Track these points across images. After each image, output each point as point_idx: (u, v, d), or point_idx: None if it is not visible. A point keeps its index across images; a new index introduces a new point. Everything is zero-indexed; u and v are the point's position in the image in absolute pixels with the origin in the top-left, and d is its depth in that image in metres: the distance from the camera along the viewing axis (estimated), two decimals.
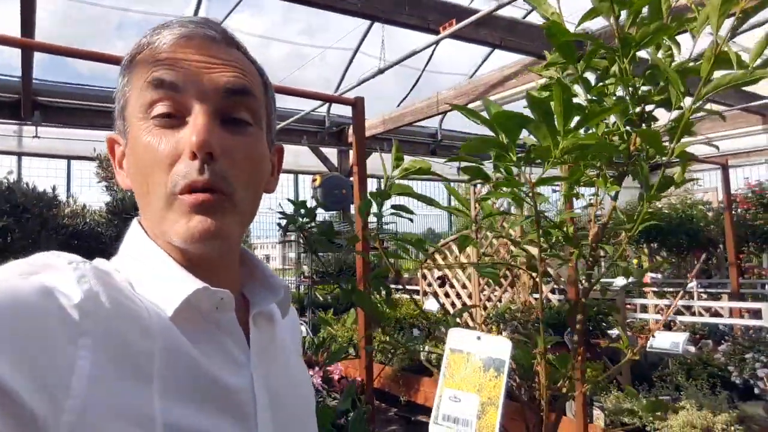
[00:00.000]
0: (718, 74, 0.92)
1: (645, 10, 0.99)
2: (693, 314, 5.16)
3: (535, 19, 5.36)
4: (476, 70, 7.34)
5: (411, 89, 7.70)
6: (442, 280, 5.24)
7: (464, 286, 5.21)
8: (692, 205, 6.68)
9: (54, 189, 3.03)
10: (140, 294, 0.58)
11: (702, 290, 5.80)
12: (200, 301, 0.59)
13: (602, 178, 1.10)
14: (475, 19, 3.01)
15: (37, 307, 0.47)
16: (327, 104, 6.87)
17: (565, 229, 1.16)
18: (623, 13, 1.02)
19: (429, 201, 1.37)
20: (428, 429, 0.74)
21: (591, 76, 1.16)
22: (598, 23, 1.13)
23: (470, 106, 4.90)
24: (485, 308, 4.93)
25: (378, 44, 5.73)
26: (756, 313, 3.82)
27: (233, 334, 0.62)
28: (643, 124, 1.07)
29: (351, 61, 6.72)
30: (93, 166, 3.86)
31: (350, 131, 6.98)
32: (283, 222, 1.70)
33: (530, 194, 1.02)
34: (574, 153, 0.87)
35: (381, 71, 3.61)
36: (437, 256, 5.54)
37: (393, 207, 1.50)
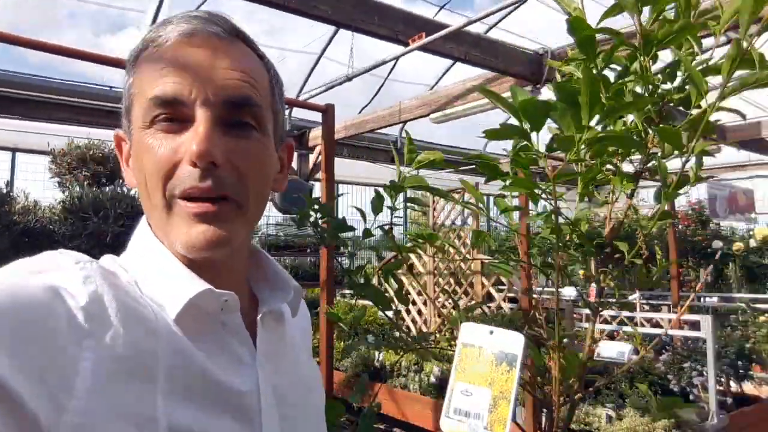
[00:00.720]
0: (738, 75, 0.91)
1: (667, 9, 1.00)
2: (635, 325, 5.40)
3: (498, 35, 5.51)
4: (437, 82, 7.47)
5: (373, 97, 7.76)
6: (410, 267, 5.27)
7: (420, 293, 5.28)
8: (637, 220, 6.99)
9: (7, 185, 2.91)
10: (146, 294, 0.58)
11: (644, 302, 6.08)
12: (205, 303, 0.58)
13: (618, 176, 1.12)
14: (445, 34, 3.08)
15: (41, 308, 0.47)
16: (289, 108, 6.83)
17: (580, 227, 1.15)
18: (645, 11, 1.00)
19: (444, 195, 1.35)
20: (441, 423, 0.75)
21: (610, 75, 1.15)
22: (617, 24, 1.11)
23: (433, 115, 4.98)
24: (440, 315, 5.02)
25: (340, 50, 5.75)
26: (694, 325, 4.04)
27: (239, 334, 0.62)
28: (661, 123, 1.06)
29: (314, 66, 6.72)
30: (45, 161, 3.72)
31: (311, 135, 6.96)
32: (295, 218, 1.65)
33: (547, 190, 1.01)
34: (596, 145, 0.87)
35: (349, 78, 3.64)
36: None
37: (409, 200, 1.48)
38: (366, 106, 7.73)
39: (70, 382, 0.46)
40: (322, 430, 0.73)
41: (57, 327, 0.47)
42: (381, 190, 1.43)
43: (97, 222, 2.23)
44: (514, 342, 0.73)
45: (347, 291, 6.61)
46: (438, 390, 3.93)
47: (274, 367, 0.64)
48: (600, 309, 1.23)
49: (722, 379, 3.43)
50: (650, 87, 1.07)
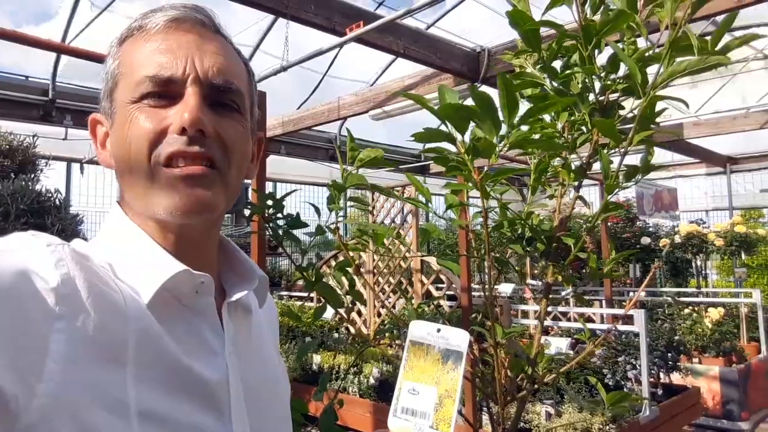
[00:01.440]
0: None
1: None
2: (569, 320, 5.53)
3: (439, 32, 5.49)
4: (377, 78, 7.40)
5: (312, 93, 7.59)
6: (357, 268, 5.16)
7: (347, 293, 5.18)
8: (571, 217, 7.20)
9: None
10: (120, 277, 0.58)
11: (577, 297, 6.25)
12: (180, 285, 0.59)
13: (566, 169, 1.09)
14: (382, 24, 2.99)
15: (12, 289, 0.47)
16: None
17: (530, 221, 1.14)
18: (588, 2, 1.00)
19: (388, 193, 1.35)
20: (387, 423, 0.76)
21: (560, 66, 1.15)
22: (568, 17, 1.10)
23: (372, 112, 4.90)
24: (379, 315, 4.94)
25: (279, 45, 5.56)
26: (626, 320, 4.15)
27: (210, 321, 0.62)
28: (605, 115, 1.05)
29: (250, 58, 6.49)
30: None
31: None
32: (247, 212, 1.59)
33: (495, 189, 1.01)
34: (519, 147, 0.88)
35: (283, 69, 3.48)
36: (333, 262, 5.47)
37: (350, 199, 1.45)
38: (304, 102, 7.55)
39: (41, 365, 0.46)
40: (287, 422, 0.74)
41: (28, 309, 0.47)
42: (327, 188, 1.38)
43: None
44: (460, 339, 0.74)
45: (285, 293, 6.42)
46: (377, 392, 3.84)
47: (242, 357, 0.64)
48: (549, 302, 1.24)
49: (653, 371, 3.53)
50: (594, 78, 1.06)
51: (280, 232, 1.58)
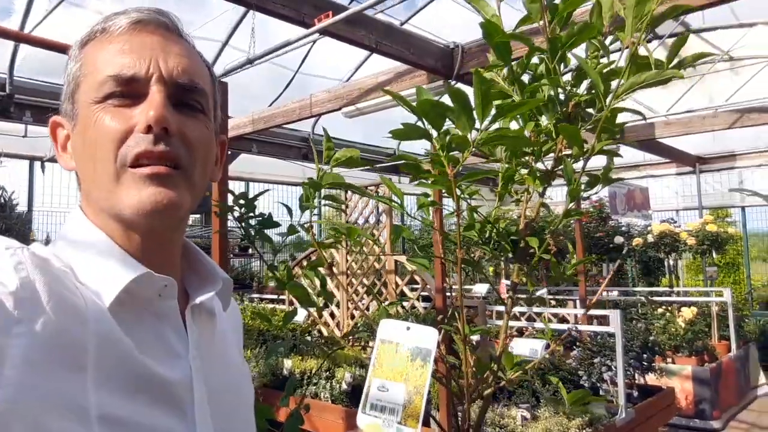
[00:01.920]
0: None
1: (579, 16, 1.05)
2: (545, 320, 5.50)
3: (413, 29, 5.40)
4: (351, 75, 7.28)
5: (284, 90, 7.43)
6: (330, 266, 5.04)
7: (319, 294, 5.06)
8: (547, 217, 7.20)
9: None
10: (81, 281, 0.57)
11: (551, 297, 6.23)
12: (143, 288, 0.59)
13: (531, 175, 1.14)
14: (351, 15, 2.88)
15: None
16: None
17: (498, 225, 1.21)
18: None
19: (363, 192, 1.37)
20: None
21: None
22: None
23: (345, 110, 4.79)
24: (353, 317, 4.82)
25: (247, 40, 5.40)
26: (600, 319, 4.11)
27: (173, 324, 0.62)
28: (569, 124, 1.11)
29: (220, 53, 6.30)
30: None
31: None
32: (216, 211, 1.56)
33: (466, 191, 1.08)
34: (490, 144, 0.92)
35: (250, 61, 3.34)
36: (305, 263, 5.34)
37: (325, 197, 1.45)
38: (276, 99, 7.39)
39: None
40: (251, 425, 0.74)
41: None
42: (301, 188, 1.41)
43: None
44: (428, 337, 0.75)
45: (255, 295, 6.26)
46: (350, 397, 3.72)
47: (206, 360, 0.63)
48: (514, 302, 1.29)
49: (629, 372, 3.49)
50: (560, 89, 1.12)
51: (252, 231, 1.54)
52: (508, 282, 6.77)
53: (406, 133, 0.97)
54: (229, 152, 7.11)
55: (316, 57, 7.18)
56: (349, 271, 4.99)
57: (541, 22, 1.05)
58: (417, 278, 4.65)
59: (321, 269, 1.52)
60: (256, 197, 1.52)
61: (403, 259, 4.54)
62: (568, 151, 1.16)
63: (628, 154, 8.34)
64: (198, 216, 7.58)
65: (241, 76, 4.77)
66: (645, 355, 3.46)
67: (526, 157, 1.17)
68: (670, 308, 5.44)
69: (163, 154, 0.58)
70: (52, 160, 5.80)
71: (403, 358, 0.75)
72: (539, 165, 1.22)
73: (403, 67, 4.54)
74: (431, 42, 4.24)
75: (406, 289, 4.66)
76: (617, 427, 3.00)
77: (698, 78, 7.42)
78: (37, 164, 6.75)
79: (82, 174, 0.63)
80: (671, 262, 6.68)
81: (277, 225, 1.55)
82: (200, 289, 0.68)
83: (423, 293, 4.66)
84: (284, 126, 6.42)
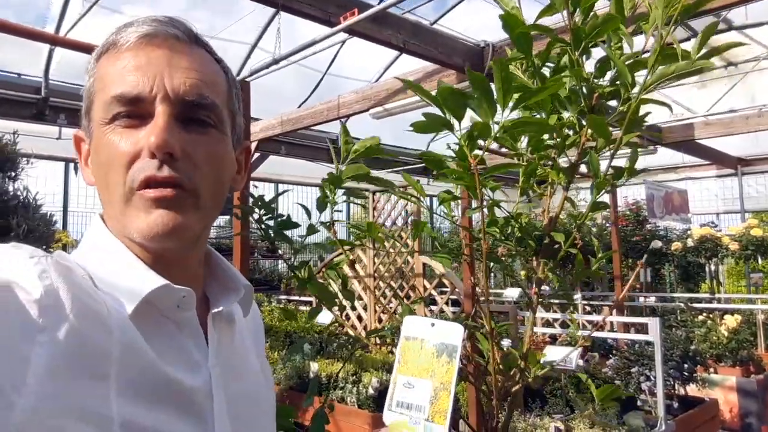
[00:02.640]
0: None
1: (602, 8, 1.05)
2: (577, 327, 5.33)
3: (442, 29, 5.32)
4: (380, 76, 7.24)
5: (312, 91, 7.44)
6: (352, 263, 4.99)
7: (360, 298, 5.01)
8: (572, 213, 7.00)
9: None
10: (101, 290, 0.57)
11: (586, 302, 6.04)
12: (161, 299, 0.59)
13: (555, 169, 1.11)
14: (377, 13, 2.82)
15: None
16: None
17: (520, 220, 1.18)
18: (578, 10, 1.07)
19: (384, 184, 1.31)
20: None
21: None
22: (559, 24, 1.10)
23: (373, 111, 4.74)
24: (380, 320, 4.75)
25: (281, 42, 5.40)
26: (640, 327, 3.95)
27: (193, 333, 0.62)
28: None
29: (249, 55, 6.34)
30: None
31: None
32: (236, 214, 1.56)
33: (488, 186, 1.04)
34: (514, 130, 0.90)
35: (275, 61, 3.32)
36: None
37: (345, 193, 1.42)
38: (305, 101, 7.39)
39: (21, 379, 0.46)
40: (271, 428, 0.74)
41: (10, 321, 0.47)
42: (322, 186, 1.36)
43: None
44: (454, 333, 0.75)
45: (283, 296, 6.25)
46: (377, 402, 3.65)
47: (225, 367, 0.64)
48: (541, 299, 1.27)
49: (668, 383, 3.33)
50: (582, 82, 1.10)
51: (272, 233, 1.52)
52: (543, 288, 6.62)
53: (427, 125, 0.94)
54: (258, 154, 7.15)
55: (344, 59, 7.16)
56: (376, 274, 4.93)
57: (564, 12, 1.03)
58: (446, 282, 4.56)
59: (344, 268, 1.46)
60: (274, 199, 1.49)
61: (427, 259, 4.45)
62: (592, 144, 1.15)
63: (666, 155, 8.06)
64: (228, 217, 7.64)
65: (270, 79, 4.76)
66: (686, 365, 3.29)
67: (549, 151, 1.15)
68: (711, 315, 5.19)
69: (168, 179, 0.58)
70: None
71: (428, 354, 0.75)
72: (563, 159, 1.21)
73: (431, 66, 4.46)
74: (460, 40, 4.15)
75: (434, 293, 4.57)
76: None
77: (740, 77, 7.12)
78: (71, 166, 6.90)
79: (99, 191, 0.64)
80: (712, 268, 6.40)
81: (296, 226, 1.52)
82: (221, 296, 0.69)
83: (452, 297, 4.56)
84: (313, 128, 6.42)
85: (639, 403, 3.26)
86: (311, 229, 1.49)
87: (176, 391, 0.57)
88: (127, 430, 0.51)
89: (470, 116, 0.99)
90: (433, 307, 4.53)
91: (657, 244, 6.37)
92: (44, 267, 0.52)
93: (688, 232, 6.42)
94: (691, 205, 7.84)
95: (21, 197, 2.14)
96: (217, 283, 0.71)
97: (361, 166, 1.28)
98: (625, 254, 6.79)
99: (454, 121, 0.94)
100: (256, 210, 1.55)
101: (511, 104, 0.90)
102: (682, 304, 5.38)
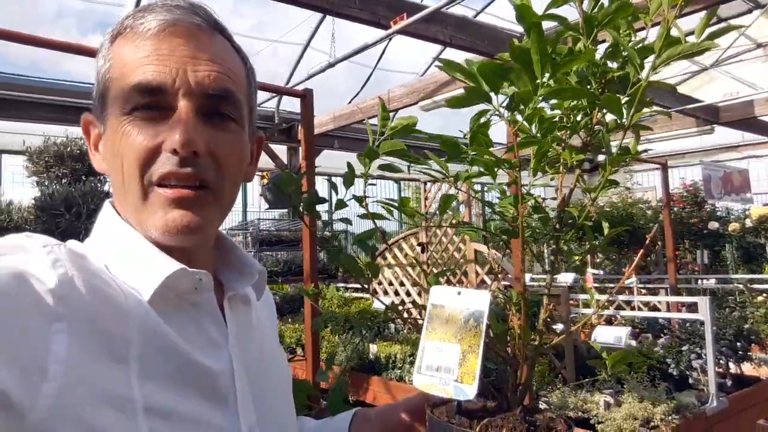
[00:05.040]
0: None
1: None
2: (633, 309, 5.34)
3: (486, 18, 5.41)
4: (427, 69, 7.37)
5: (362, 87, 7.66)
6: (423, 247, 5.16)
7: (402, 284, 5.21)
8: (632, 203, 6.94)
9: None
10: (116, 277, 0.57)
11: (641, 285, 6.02)
12: (179, 282, 0.59)
13: (567, 149, 1.11)
14: (426, 14, 2.99)
15: (10, 292, 0.46)
16: (277, 99, 6.73)
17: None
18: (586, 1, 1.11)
19: (416, 160, 1.28)
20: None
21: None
22: (570, 18, 1.25)
23: (422, 103, 4.89)
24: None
25: (329, 41, 5.64)
26: (691, 307, 3.97)
27: (212, 315, 0.63)
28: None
29: (302, 56, 6.61)
30: (23, 160, 3.62)
31: (301, 128, 6.86)
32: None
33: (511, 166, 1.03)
34: (554, 96, 0.93)
35: (331, 65, 3.54)
36: (387, 254, 5.52)
37: (380, 167, 1.37)
38: (355, 96, 7.62)
39: (44, 366, 0.46)
40: (291, 409, 0.76)
41: (27, 310, 0.47)
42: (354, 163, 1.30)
43: (69, 218, 2.15)
44: (480, 300, 0.77)
45: (341, 284, 6.54)
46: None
47: (244, 348, 0.64)
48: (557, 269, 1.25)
49: (721, 361, 3.37)
50: (594, 66, 1.12)
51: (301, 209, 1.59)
52: (596, 271, 6.61)
53: (465, 99, 0.95)
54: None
55: (392, 53, 7.33)
56: (429, 261, 5.12)
57: (577, 3, 1.05)
58: (496, 266, 4.69)
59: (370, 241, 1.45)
60: (302, 176, 1.52)
61: (482, 248, 4.60)
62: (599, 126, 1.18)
63: (726, 134, 7.81)
64: (285, 210, 7.98)
65: (320, 76, 5.00)
66: (739, 344, 3.32)
67: (560, 132, 1.16)
68: None
69: (190, 176, 0.58)
70: None
71: (455, 320, 0.76)
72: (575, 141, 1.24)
73: (477, 58, 4.58)
74: (505, 32, 4.25)
75: (486, 278, 4.72)
76: (708, 415, 2.92)
77: None
78: None
79: (112, 181, 0.63)
80: None
81: (324, 201, 1.60)
82: (235, 280, 0.70)
83: (504, 282, 4.69)
84: (363, 122, 6.64)
85: (691, 381, 3.32)
86: (340, 204, 1.52)
87: (198, 372, 0.57)
88: (151, 411, 0.51)
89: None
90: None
91: (713, 225, 6.24)
92: (57, 256, 0.52)
93: (747, 212, 6.25)
94: (754, 184, 7.58)
95: None
96: (229, 267, 0.71)
97: (398, 142, 1.26)
98: (681, 236, 6.68)
99: (492, 94, 0.94)
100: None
101: (547, 74, 0.91)
102: (741, 286, 5.29)
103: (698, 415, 2.85)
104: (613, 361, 0.90)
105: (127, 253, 0.60)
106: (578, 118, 1.15)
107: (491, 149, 1.07)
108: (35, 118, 5.16)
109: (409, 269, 5.24)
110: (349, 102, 7.39)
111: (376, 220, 1.49)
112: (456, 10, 4.39)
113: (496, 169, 1.08)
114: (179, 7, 0.60)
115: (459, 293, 0.79)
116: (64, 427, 0.46)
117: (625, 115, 1.10)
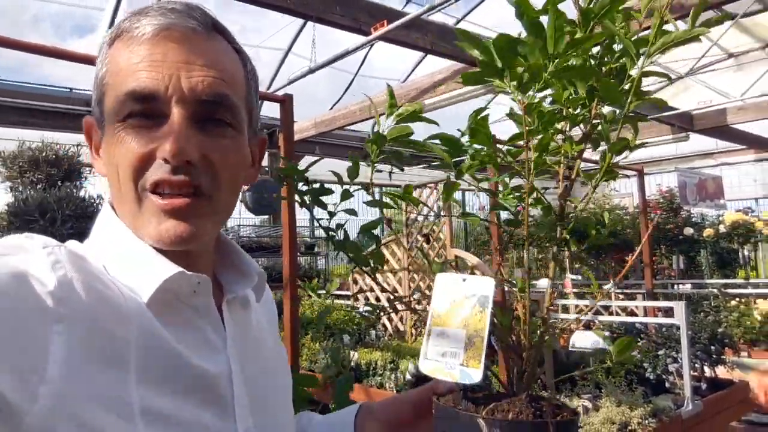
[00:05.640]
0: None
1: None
2: (611, 314, 5.41)
3: (467, 26, 5.46)
4: (409, 75, 7.40)
5: (344, 93, 7.66)
6: (427, 237, 5.13)
7: (384, 290, 5.21)
8: (610, 210, 7.04)
9: None
10: (116, 278, 0.57)
11: (619, 291, 6.10)
12: (177, 285, 0.58)
13: (567, 141, 1.13)
14: (407, 21, 3.01)
15: (9, 293, 0.46)
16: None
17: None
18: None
19: (430, 147, 1.34)
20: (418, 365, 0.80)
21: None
22: (569, 14, 1.27)
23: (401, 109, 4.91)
24: (416, 312, 4.95)
25: (310, 45, 5.64)
26: (667, 312, 4.04)
27: (210, 319, 0.62)
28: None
29: (283, 61, 6.60)
30: None
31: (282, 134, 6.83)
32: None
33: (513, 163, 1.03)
34: (562, 75, 0.92)
35: (312, 71, 3.54)
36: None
37: (385, 153, 1.44)
38: (336, 102, 7.63)
39: (42, 368, 0.46)
40: (289, 412, 0.75)
41: (26, 312, 0.47)
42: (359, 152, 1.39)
43: (44, 224, 2.10)
44: (485, 285, 0.77)
45: (321, 291, 6.51)
46: (414, 386, 3.86)
47: (243, 351, 0.64)
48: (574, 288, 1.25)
49: (696, 365, 3.43)
50: (591, 58, 1.11)
51: (307, 199, 1.59)
52: (575, 277, 6.67)
53: (478, 74, 0.94)
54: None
55: (374, 59, 7.35)
56: (410, 267, 5.13)
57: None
58: (477, 273, 4.72)
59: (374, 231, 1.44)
60: (307, 168, 1.54)
61: (462, 254, 4.62)
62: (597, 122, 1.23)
63: (700, 142, 7.99)
64: (267, 217, 7.94)
65: (302, 81, 5.00)
66: (713, 348, 3.39)
67: (560, 124, 1.14)
68: (744, 301, 5.20)
69: (183, 183, 0.57)
70: None
71: (461, 306, 0.77)
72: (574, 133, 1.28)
73: (458, 65, 4.62)
74: (486, 39, 4.29)
75: None
76: (683, 419, 2.96)
77: None
78: None
79: (111, 186, 0.62)
80: (746, 253, 6.36)
81: (330, 192, 1.61)
82: (235, 283, 0.69)
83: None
84: (347, 128, 6.64)
85: (667, 385, 3.37)
86: (346, 194, 1.52)
87: (196, 376, 0.57)
88: (149, 415, 0.51)
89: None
90: None
91: (688, 231, 6.36)
92: (57, 257, 0.52)
93: (720, 218, 6.40)
94: (727, 190, 7.75)
95: (96, 204, 2.41)
96: (229, 269, 0.71)
97: (406, 127, 1.23)
98: (657, 242, 6.79)
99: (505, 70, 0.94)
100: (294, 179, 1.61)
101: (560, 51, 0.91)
102: (716, 290, 5.40)
103: (674, 419, 2.90)
104: (618, 348, 0.90)
105: (126, 255, 0.60)
106: (577, 110, 1.19)
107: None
108: (7, 122, 5.06)
109: (390, 275, 5.24)
110: (331, 108, 7.38)
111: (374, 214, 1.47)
112: (438, 18, 4.43)
113: (498, 160, 1.05)
114: (174, 10, 0.59)
115: (464, 279, 0.79)
116: (62, 429, 0.46)
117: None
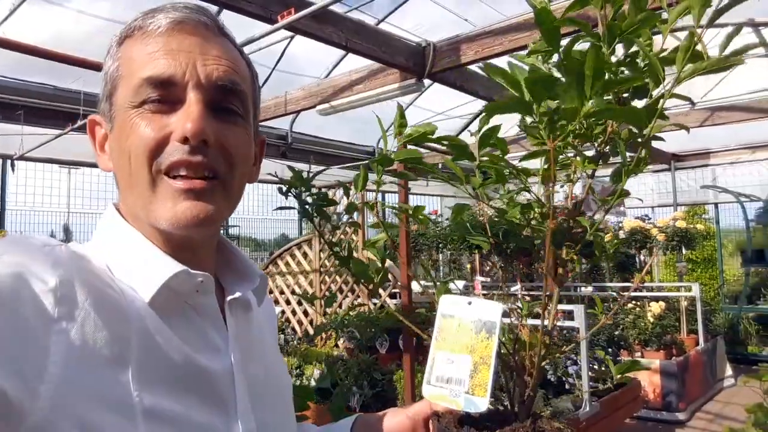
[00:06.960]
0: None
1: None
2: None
3: (392, 28, 5.41)
4: (328, 74, 7.27)
5: (260, 87, 7.39)
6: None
7: (294, 292, 5.07)
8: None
9: None
10: (118, 278, 0.57)
11: (525, 293, 6.29)
12: (180, 284, 0.59)
13: (581, 158, 1.10)
14: (316, 11, 2.88)
15: (10, 293, 0.46)
16: None
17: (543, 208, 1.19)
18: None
19: (432, 168, 1.30)
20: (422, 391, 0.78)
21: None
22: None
23: (320, 107, 4.78)
24: (325, 314, 4.83)
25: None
26: (570, 314, 4.17)
27: (212, 318, 0.63)
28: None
29: None
30: None
31: None
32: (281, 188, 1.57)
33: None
34: (597, 117, 0.91)
35: None
36: (279, 262, 5.34)
37: (394, 174, 1.38)
38: None
39: (42, 367, 0.46)
40: (290, 412, 0.76)
41: (26, 311, 0.47)
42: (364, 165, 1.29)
43: None
44: (492, 310, 0.76)
45: None
46: (320, 393, 3.73)
47: (245, 351, 0.64)
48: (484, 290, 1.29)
49: (595, 367, 3.55)
50: (612, 74, 1.11)
51: (309, 209, 1.54)
52: (484, 279, 6.80)
53: (505, 106, 0.93)
54: None
55: (294, 56, 7.16)
56: (322, 269, 5.00)
57: (601, 12, 1.06)
58: (390, 276, 4.68)
59: (290, 261, 1.44)
60: (314, 176, 1.51)
61: (370, 254, 4.55)
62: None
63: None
64: None
65: None
66: (610, 349, 3.52)
67: (573, 139, 1.14)
68: (639, 303, 5.51)
69: (201, 164, 0.58)
70: (22, 158, 5.71)
71: (466, 331, 0.75)
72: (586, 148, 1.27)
73: (376, 65, 4.55)
74: (403, 40, 4.25)
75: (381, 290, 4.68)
76: (581, 420, 3.05)
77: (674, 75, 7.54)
78: (8, 163, 6.64)
79: (119, 177, 0.62)
80: (642, 258, 6.78)
81: (334, 203, 1.55)
82: (236, 285, 0.69)
83: (394, 290, 4.68)
84: (261, 124, 6.41)
85: (567, 386, 3.47)
86: (351, 207, 1.49)
87: (198, 376, 0.57)
88: (150, 414, 0.51)
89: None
90: (375, 301, 4.64)
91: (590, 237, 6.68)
92: (58, 256, 0.52)
93: (620, 225, 6.78)
94: (627, 199, 8.24)
95: None
96: (230, 271, 0.71)
97: (414, 150, 1.23)
98: (560, 246, 7.07)
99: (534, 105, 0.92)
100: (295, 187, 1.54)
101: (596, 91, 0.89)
102: (614, 293, 5.69)
103: (572, 421, 2.97)
104: (619, 372, 0.86)
105: (129, 254, 0.60)
106: (592, 129, 1.17)
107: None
108: None
109: (301, 277, 5.08)
110: None
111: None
112: (354, 16, 4.34)
113: (507, 175, 1.04)
114: (187, 7, 0.62)
115: (470, 303, 0.78)
116: (62, 428, 0.46)
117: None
